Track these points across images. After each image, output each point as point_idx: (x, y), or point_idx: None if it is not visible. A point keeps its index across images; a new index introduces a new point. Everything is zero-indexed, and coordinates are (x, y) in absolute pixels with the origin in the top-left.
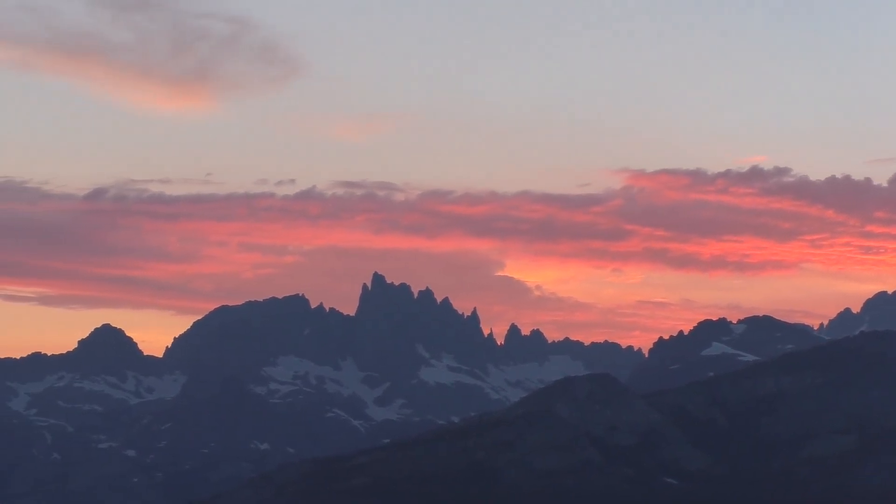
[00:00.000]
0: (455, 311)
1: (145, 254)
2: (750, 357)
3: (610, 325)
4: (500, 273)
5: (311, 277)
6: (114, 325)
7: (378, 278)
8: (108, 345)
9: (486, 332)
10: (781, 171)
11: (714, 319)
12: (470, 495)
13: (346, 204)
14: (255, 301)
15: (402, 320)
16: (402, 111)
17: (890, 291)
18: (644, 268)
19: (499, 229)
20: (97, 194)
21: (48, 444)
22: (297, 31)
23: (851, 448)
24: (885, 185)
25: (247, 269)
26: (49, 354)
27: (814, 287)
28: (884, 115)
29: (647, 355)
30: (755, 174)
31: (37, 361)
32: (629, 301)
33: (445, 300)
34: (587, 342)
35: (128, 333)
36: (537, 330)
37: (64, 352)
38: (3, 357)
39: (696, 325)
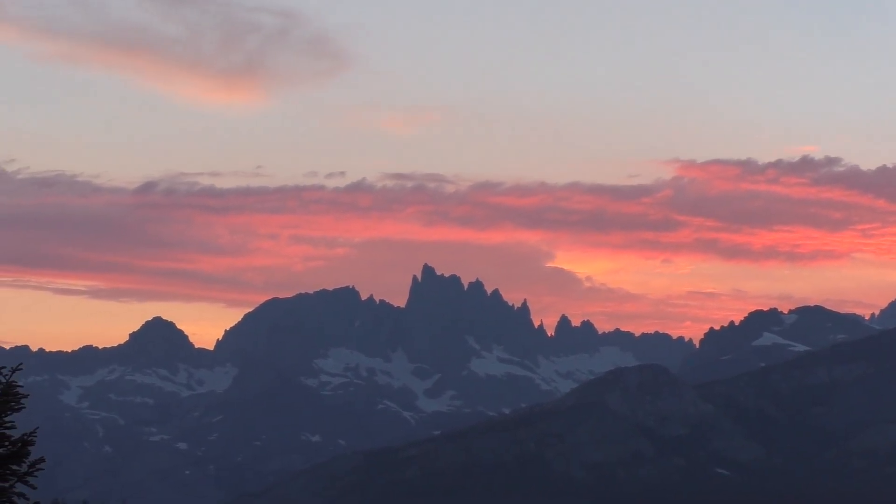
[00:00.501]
0: (505, 303)
1: (196, 247)
2: (801, 347)
3: (660, 315)
4: (550, 264)
5: (362, 269)
6: (165, 318)
7: (428, 270)
8: (159, 338)
9: (536, 323)
10: (832, 161)
11: (765, 310)
12: (520, 486)
13: (396, 196)
14: (306, 293)
15: (452, 312)
16: (451, 103)
17: None
18: (694, 258)
19: (549, 220)
20: (147, 187)
21: (100, 436)
22: (346, 25)
23: None
24: None
25: (297, 262)
26: (100, 347)
27: (865, 277)
28: None
29: (697, 346)
30: (806, 164)
31: (88, 355)
32: (680, 291)
33: (495, 292)
34: (637, 333)
35: (179, 326)
36: (587, 321)
37: (115, 345)
38: (54, 350)
39: (746, 315)
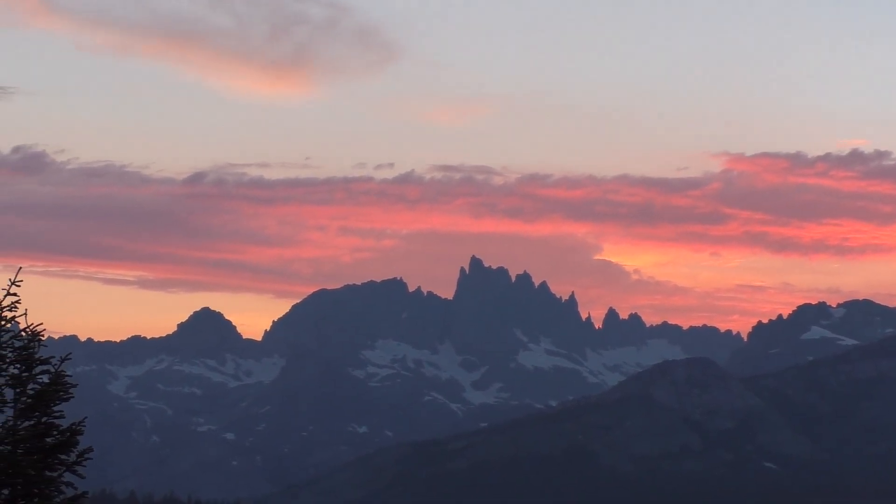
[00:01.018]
0: (553, 295)
1: (244, 237)
2: (849, 341)
3: (708, 308)
4: (598, 257)
5: (410, 261)
6: (213, 309)
7: (476, 262)
8: (207, 328)
9: (583, 315)
10: (882, 155)
11: (813, 303)
12: (567, 479)
13: (444, 188)
14: (354, 285)
15: (499, 304)
16: (500, 95)
17: None
18: (743, 251)
19: (597, 213)
20: (196, 178)
21: (147, 427)
22: (395, 16)
23: None
24: None
25: (345, 253)
26: (148, 338)
27: None
28: None
29: (745, 339)
30: (855, 157)
31: (136, 345)
32: (728, 285)
33: (543, 284)
34: (685, 326)
35: (227, 317)
36: (635, 314)
37: (163, 335)
38: (103, 340)
39: (795, 308)
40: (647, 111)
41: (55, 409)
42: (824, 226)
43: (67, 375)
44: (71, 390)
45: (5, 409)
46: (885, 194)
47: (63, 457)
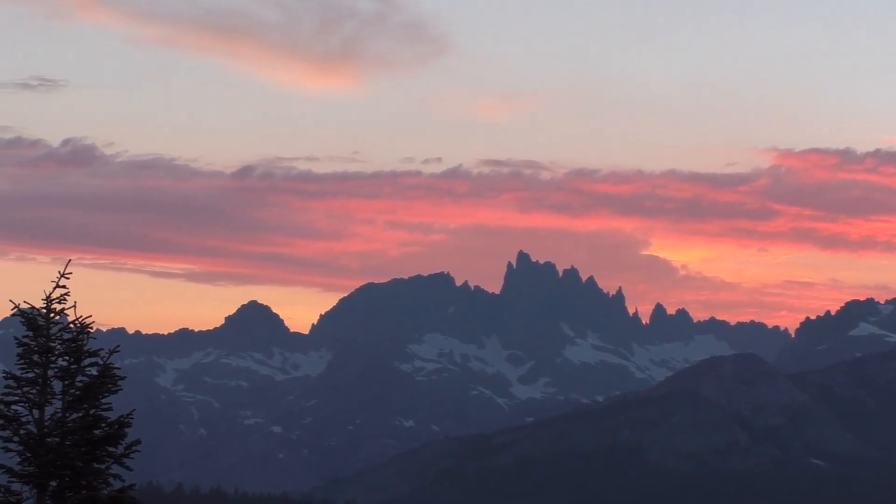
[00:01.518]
0: (600, 290)
1: (292, 231)
2: None
3: (756, 304)
4: (645, 252)
5: (457, 255)
6: (260, 302)
7: (523, 257)
8: (254, 321)
9: (631, 311)
10: None
11: (861, 300)
12: (613, 474)
13: (491, 182)
14: (401, 279)
15: (547, 299)
16: (548, 89)
17: None
18: (791, 247)
19: (645, 208)
20: (245, 171)
21: (195, 419)
22: (443, 10)
23: None
24: None
25: (393, 247)
26: (196, 331)
27: None
28: None
29: (793, 335)
30: None
31: (184, 337)
32: (776, 281)
33: (591, 279)
34: (733, 322)
35: (274, 310)
36: (683, 309)
37: (211, 328)
38: (150, 333)
39: (843, 305)
40: (696, 106)
41: (103, 401)
42: (873, 222)
43: (116, 368)
44: (119, 382)
45: (54, 400)
46: None
47: (111, 449)
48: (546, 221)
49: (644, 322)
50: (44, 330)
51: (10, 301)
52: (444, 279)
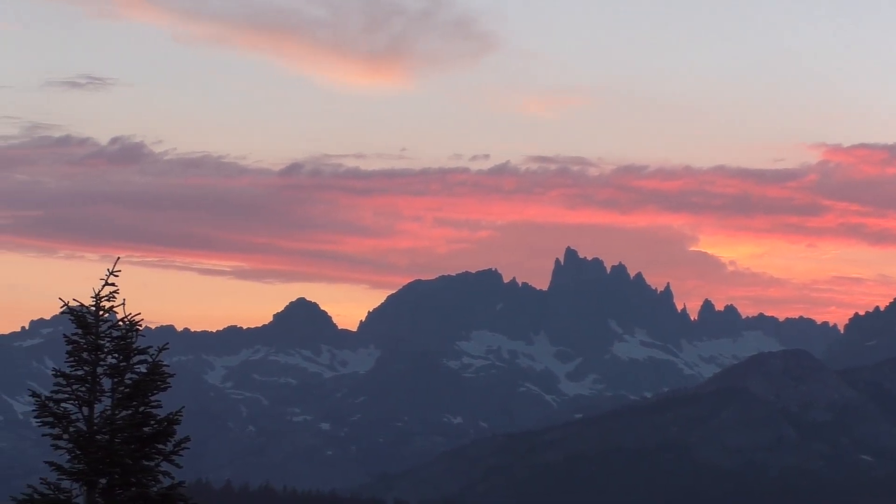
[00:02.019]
0: (648, 286)
1: (340, 228)
2: None
3: (805, 300)
4: (693, 248)
5: (504, 252)
6: (308, 299)
7: (571, 253)
8: (302, 318)
9: (679, 307)
10: None
11: None
12: (662, 471)
13: (539, 179)
14: (449, 275)
15: (594, 295)
16: (595, 86)
17: None
18: (839, 243)
19: (693, 204)
20: (293, 169)
21: (244, 416)
22: (490, 7)
23: None
24: None
25: (440, 244)
26: (244, 328)
27: None
28: None
29: (842, 331)
30: None
31: (232, 335)
32: (824, 276)
33: (639, 275)
34: (782, 318)
35: (322, 307)
36: (731, 305)
37: (259, 325)
38: (199, 331)
39: (892, 300)
40: (744, 102)
41: (152, 398)
42: None
43: (165, 365)
44: (168, 380)
45: (103, 398)
46: None
47: (160, 446)
48: (594, 218)
49: (692, 318)
50: (93, 327)
51: (60, 299)
52: (491, 276)
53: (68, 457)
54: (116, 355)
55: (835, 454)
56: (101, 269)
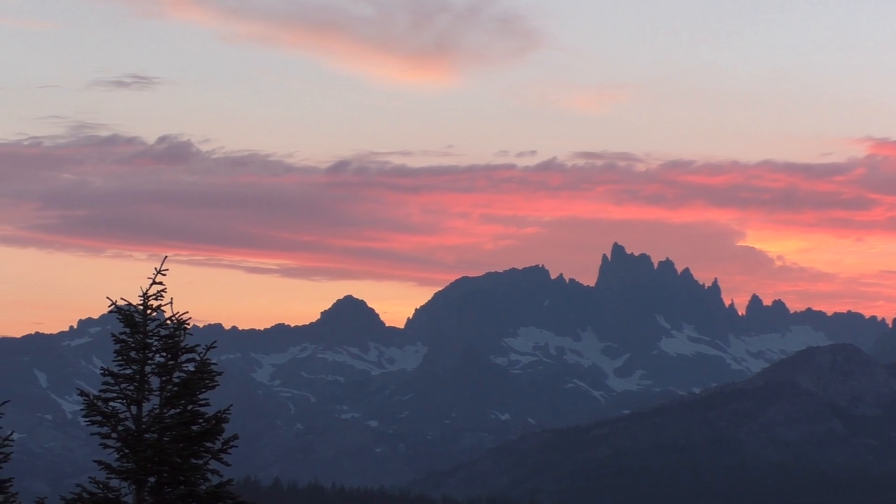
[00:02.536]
0: (696, 282)
1: (387, 225)
2: None
3: (853, 294)
4: (741, 243)
5: (551, 248)
6: (356, 297)
7: (618, 249)
8: (350, 316)
9: (726, 302)
10: None
11: None
12: (710, 466)
13: (586, 175)
14: (496, 272)
15: (642, 291)
16: (642, 81)
17: None
18: (887, 237)
19: (740, 199)
20: (339, 167)
21: (292, 414)
22: (536, 3)
23: None
24: None
25: (487, 241)
26: (292, 326)
27: None
28: None
29: (890, 325)
30: None
31: (280, 333)
32: (872, 271)
33: (686, 270)
34: (830, 312)
35: (370, 304)
36: (779, 300)
37: (307, 323)
38: (247, 328)
39: None
40: (791, 96)
41: (201, 397)
42: None
43: (213, 363)
44: (216, 378)
45: (151, 397)
46: None
47: (209, 444)
48: (641, 213)
49: (740, 313)
50: (141, 326)
51: (108, 298)
52: (538, 272)
53: (117, 456)
54: (164, 354)
55: (883, 448)
56: (149, 268)
